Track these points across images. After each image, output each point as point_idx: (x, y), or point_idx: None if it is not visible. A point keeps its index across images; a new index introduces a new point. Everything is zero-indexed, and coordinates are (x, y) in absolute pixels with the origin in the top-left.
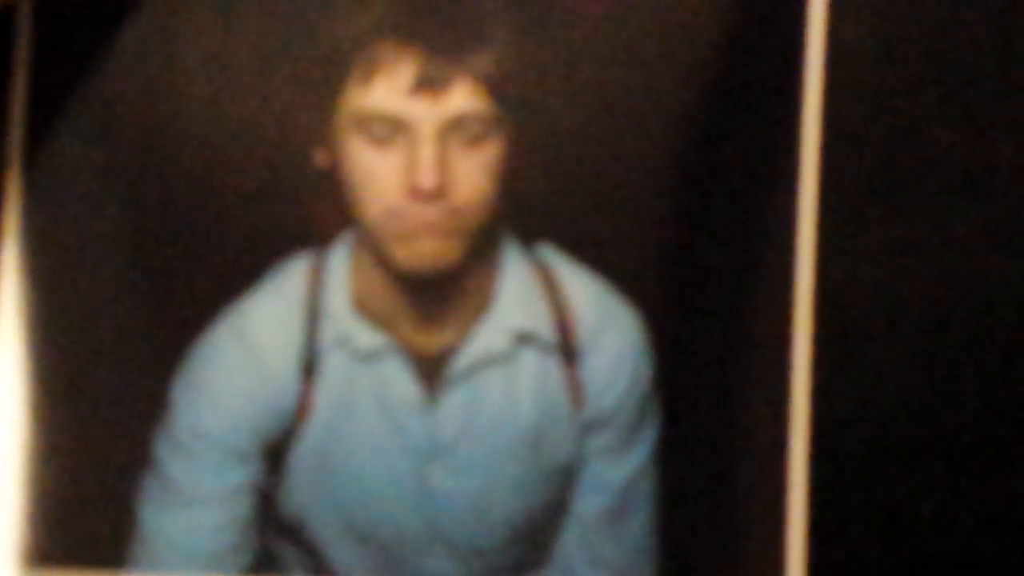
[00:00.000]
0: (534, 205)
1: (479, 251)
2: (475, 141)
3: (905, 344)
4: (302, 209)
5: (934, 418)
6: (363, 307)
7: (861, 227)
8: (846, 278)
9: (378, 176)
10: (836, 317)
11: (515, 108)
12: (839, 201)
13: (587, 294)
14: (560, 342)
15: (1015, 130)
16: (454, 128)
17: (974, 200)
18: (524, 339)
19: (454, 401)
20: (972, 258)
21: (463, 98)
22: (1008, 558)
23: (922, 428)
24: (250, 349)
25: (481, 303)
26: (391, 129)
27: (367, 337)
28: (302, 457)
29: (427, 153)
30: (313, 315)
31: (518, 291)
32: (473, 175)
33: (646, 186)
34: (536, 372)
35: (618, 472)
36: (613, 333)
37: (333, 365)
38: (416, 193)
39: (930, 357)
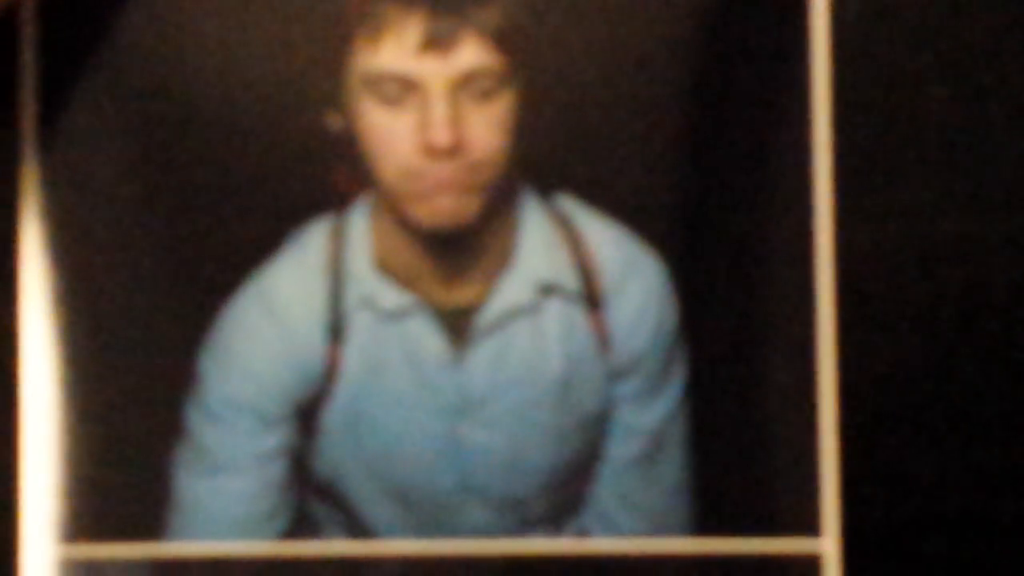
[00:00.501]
0: (550, 157)
1: (498, 205)
2: (487, 96)
3: (917, 301)
4: (319, 173)
5: (952, 373)
6: (386, 267)
7: (873, 189)
8: (867, 231)
9: (392, 136)
10: (857, 259)
11: (524, 61)
12: (850, 165)
13: (608, 242)
14: (584, 291)
15: (1012, 92)
16: (465, 84)
17: (975, 163)
18: (548, 290)
19: (482, 355)
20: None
21: (472, 54)
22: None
23: (940, 381)
24: (275, 315)
25: (503, 256)
26: (402, 89)
27: (391, 296)
28: (333, 418)
29: (439, 111)
30: (336, 277)
31: (539, 243)
32: (487, 130)
33: (661, 133)
34: (562, 322)
35: (648, 417)
36: (636, 279)
37: (359, 325)
38: (431, 151)
39: (942, 314)
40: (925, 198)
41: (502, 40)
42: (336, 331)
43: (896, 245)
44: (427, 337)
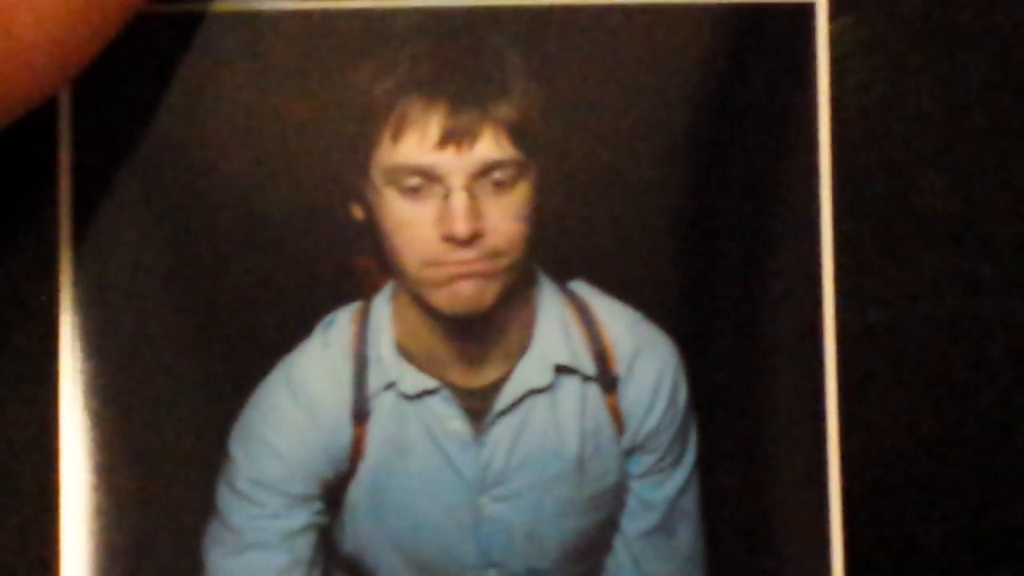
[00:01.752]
0: (564, 243)
1: (515, 291)
2: (503, 186)
3: (920, 378)
4: (344, 262)
5: (956, 446)
6: (407, 351)
7: (875, 272)
8: (869, 310)
9: (413, 226)
10: (861, 337)
11: (539, 152)
12: (853, 249)
13: (621, 325)
14: (599, 372)
15: (1008, 177)
16: (483, 176)
17: (972, 244)
18: (564, 372)
19: (501, 433)
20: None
21: (489, 146)
22: None
23: (945, 455)
24: (302, 399)
25: (521, 340)
26: (423, 181)
27: (414, 379)
28: (358, 496)
29: (459, 202)
30: (360, 362)
31: (556, 326)
32: (504, 219)
33: (671, 218)
34: (578, 401)
35: (662, 492)
36: (649, 360)
37: (383, 407)
38: (451, 240)
39: (945, 390)
40: (925, 279)
41: (518, 133)
42: (360, 413)
43: (898, 323)
44: (448, 417)
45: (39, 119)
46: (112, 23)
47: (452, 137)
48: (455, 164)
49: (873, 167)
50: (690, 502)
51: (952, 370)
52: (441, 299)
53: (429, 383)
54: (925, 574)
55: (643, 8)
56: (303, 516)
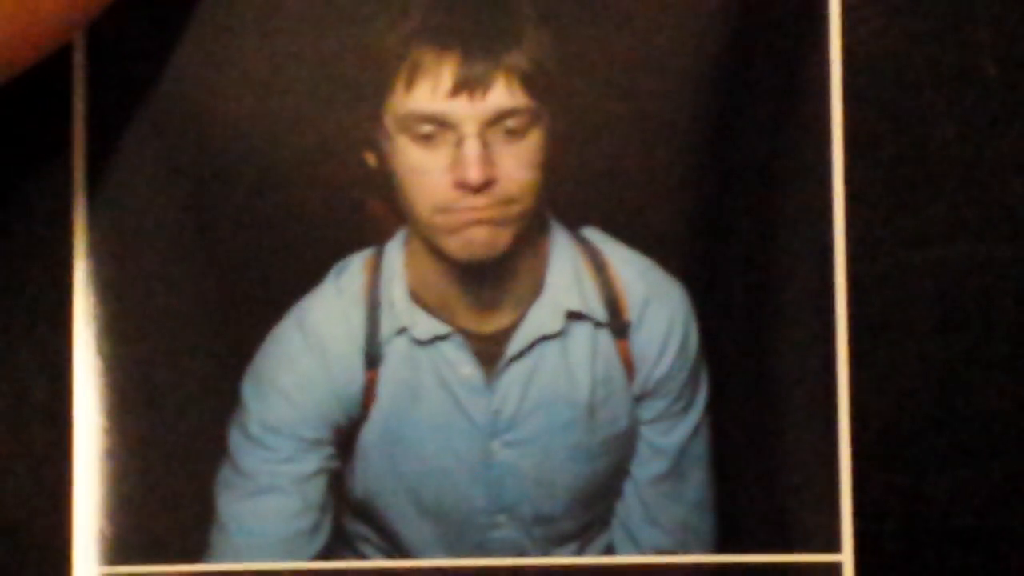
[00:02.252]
0: (577, 191)
1: (528, 238)
2: (516, 134)
3: (931, 324)
4: (357, 209)
5: (966, 394)
6: (420, 297)
7: (885, 217)
8: (880, 256)
9: (426, 173)
10: (871, 283)
11: (551, 100)
12: (864, 195)
13: (633, 271)
14: (610, 319)
15: (1019, 123)
16: (495, 123)
17: (980, 191)
18: (576, 318)
19: (512, 379)
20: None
21: (501, 95)
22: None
23: (954, 402)
24: (315, 343)
25: (533, 287)
26: (436, 128)
27: (426, 325)
28: (370, 441)
29: (472, 149)
30: (373, 308)
31: (567, 273)
32: (517, 167)
33: (683, 165)
34: (589, 348)
35: (672, 438)
36: (660, 307)
37: (395, 352)
38: (464, 187)
39: (956, 337)
40: (935, 225)
41: (530, 81)
42: (373, 358)
43: (909, 269)
44: (460, 363)
45: (53, 65)
46: None
47: (465, 85)
48: (468, 112)
49: (884, 115)
50: (700, 448)
51: (962, 315)
52: (453, 245)
53: (441, 329)
54: (934, 519)
55: None
56: (315, 461)
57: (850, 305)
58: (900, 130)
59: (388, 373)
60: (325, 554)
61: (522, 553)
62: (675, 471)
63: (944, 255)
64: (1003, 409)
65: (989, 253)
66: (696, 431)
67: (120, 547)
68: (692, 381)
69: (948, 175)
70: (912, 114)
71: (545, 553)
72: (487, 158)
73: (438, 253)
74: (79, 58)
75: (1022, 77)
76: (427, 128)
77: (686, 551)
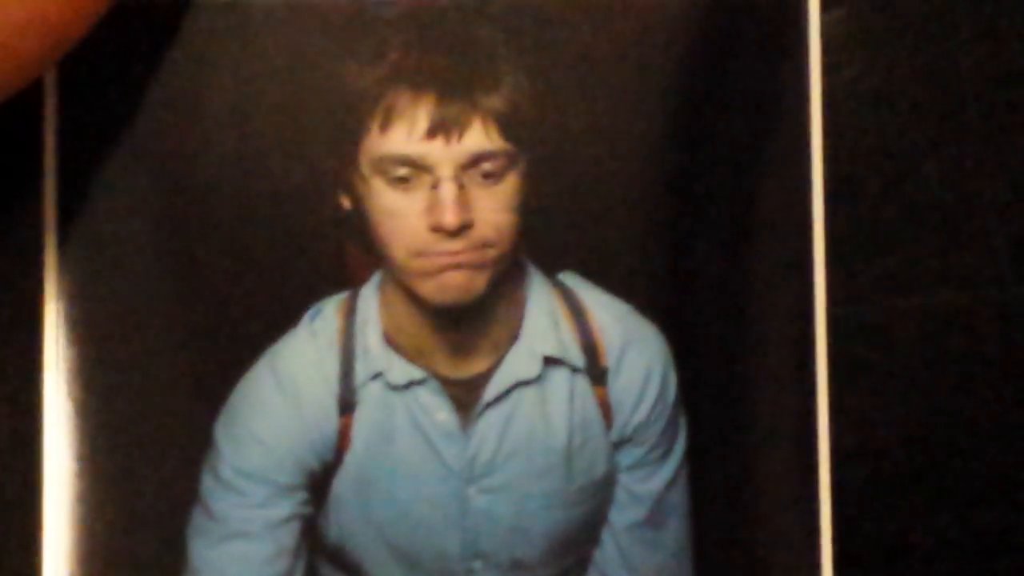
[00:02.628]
0: (554, 235)
1: (504, 282)
2: (492, 177)
3: (913, 372)
4: (332, 253)
5: (948, 442)
6: (395, 341)
7: (866, 263)
8: (856, 308)
9: (402, 217)
10: (852, 330)
11: (528, 143)
12: (845, 240)
13: (610, 316)
14: (588, 365)
15: (1002, 167)
16: (472, 166)
17: (963, 236)
18: (553, 364)
19: (488, 424)
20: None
21: (478, 138)
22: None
23: (936, 450)
24: (288, 388)
25: (510, 332)
26: (411, 171)
27: (401, 369)
28: (344, 486)
29: (447, 193)
30: (348, 353)
31: (544, 318)
32: (493, 210)
33: (661, 210)
34: (566, 395)
35: (650, 485)
36: (638, 352)
37: (369, 398)
38: (440, 231)
39: (938, 385)
40: (918, 272)
41: (507, 124)
42: (347, 404)
43: (890, 315)
44: (435, 408)
45: (25, 103)
46: (99, 3)
47: (440, 127)
48: (444, 154)
49: (866, 159)
50: (679, 495)
51: (945, 365)
52: (429, 289)
53: (416, 373)
54: (915, 572)
55: None
56: (287, 506)
57: (830, 352)
58: (882, 173)
59: (363, 418)
60: None
61: None
62: (653, 518)
63: (926, 302)
64: (985, 458)
65: (972, 300)
66: (674, 478)
67: None
68: (670, 428)
69: (930, 219)
70: (894, 157)
71: None
72: (463, 201)
73: (413, 297)
74: (50, 97)
75: (1005, 119)
76: (402, 171)
77: None
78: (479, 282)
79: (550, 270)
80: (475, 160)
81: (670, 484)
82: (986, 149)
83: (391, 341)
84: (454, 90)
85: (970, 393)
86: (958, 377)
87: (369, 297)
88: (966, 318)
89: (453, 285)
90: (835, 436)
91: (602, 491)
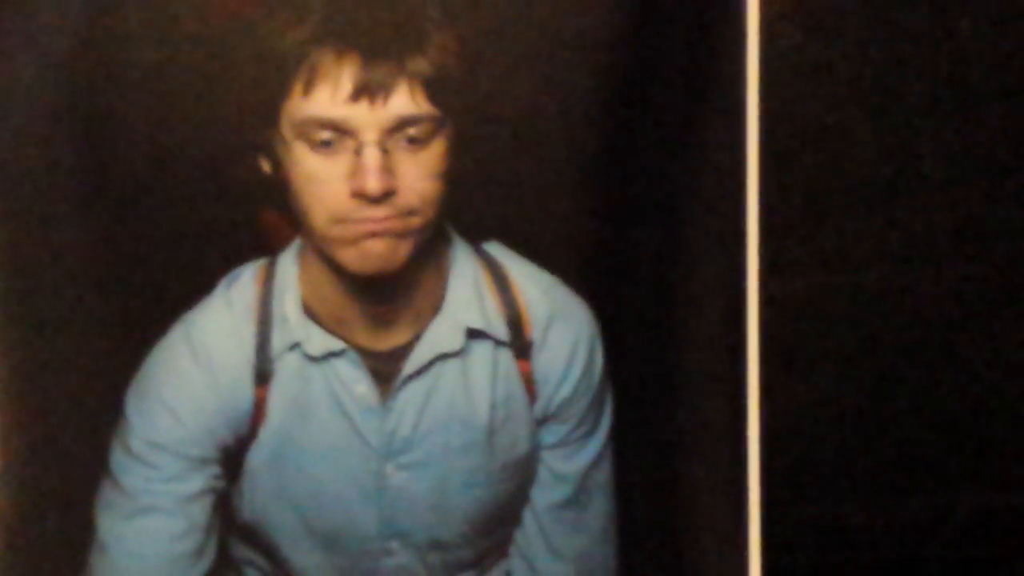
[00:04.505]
0: (479, 204)
1: (427, 252)
2: (417, 143)
3: (846, 350)
4: (250, 217)
5: (880, 421)
6: (314, 311)
7: (801, 238)
8: (790, 284)
9: (324, 182)
10: (780, 316)
11: (455, 109)
12: (778, 216)
13: (536, 289)
14: (512, 338)
15: (941, 143)
16: (396, 131)
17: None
18: (476, 336)
19: (409, 398)
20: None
21: (403, 101)
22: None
23: (869, 430)
24: (203, 357)
25: (432, 303)
26: (335, 135)
27: (319, 340)
28: (259, 461)
29: (371, 158)
30: (264, 322)
31: (468, 289)
32: (417, 177)
33: (591, 181)
34: (489, 368)
35: (574, 464)
36: (563, 326)
37: (286, 369)
38: (362, 197)
39: (871, 363)
40: (853, 247)
41: (434, 88)
42: (263, 374)
43: (824, 292)
44: (354, 380)
45: None
46: None
47: (365, 90)
48: (368, 118)
49: (803, 132)
50: (603, 475)
51: (879, 342)
52: (350, 257)
53: (335, 344)
54: (843, 554)
55: None
56: (200, 480)
57: (762, 329)
58: (818, 147)
59: (279, 390)
60: None
61: None
62: (577, 499)
63: (861, 278)
64: (921, 440)
65: (908, 277)
66: (599, 457)
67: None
68: (596, 405)
69: (867, 195)
70: (831, 131)
71: None
72: (387, 167)
73: (334, 265)
74: None
75: (948, 95)
76: (325, 135)
77: None
78: (402, 251)
79: (475, 240)
80: (400, 124)
81: (595, 463)
82: (927, 125)
83: (310, 311)
84: (380, 50)
85: (904, 372)
86: (892, 355)
87: (288, 264)
88: (901, 296)
89: (375, 253)
90: (765, 415)
91: (524, 469)
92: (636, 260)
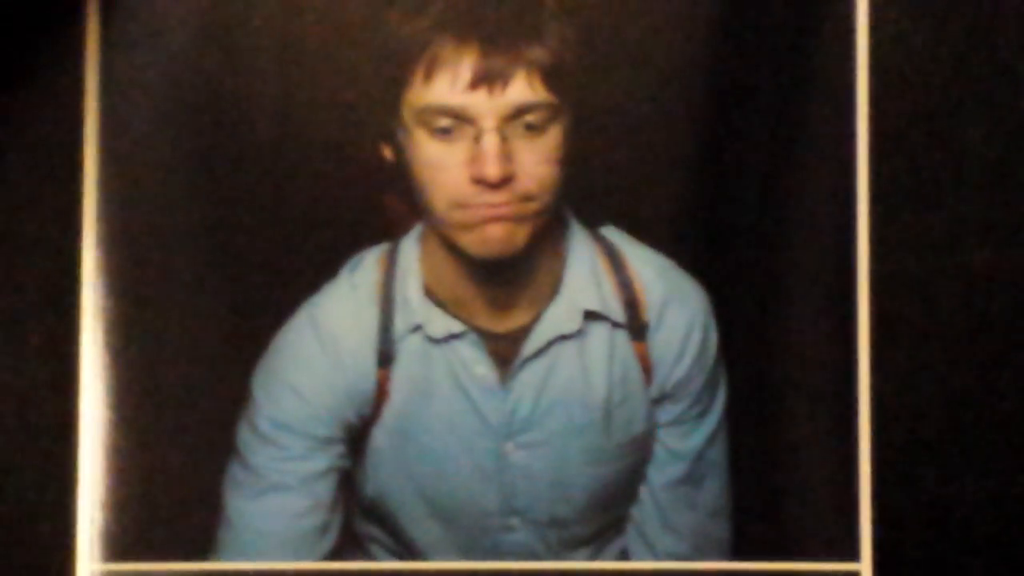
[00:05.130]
0: (596, 189)
1: (545, 236)
2: (535, 130)
3: (955, 331)
4: (373, 203)
5: (989, 402)
6: (435, 294)
7: (909, 219)
8: (899, 265)
9: (444, 168)
10: (894, 287)
11: (572, 96)
12: (889, 197)
13: (651, 271)
14: (628, 320)
15: None
16: (514, 118)
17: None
18: (593, 318)
19: (528, 379)
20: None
21: (521, 89)
22: None
23: (977, 410)
24: (327, 340)
25: (550, 286)
26: (454, 122)
27: (441, 322)
28: (382, 440)
29: (490, 144)
30: (387, 304)
31: (585, 272)
32: (535, 163)
33: (705, 166)
34: (606, 350)
35: (689, 442)
36: (678, 308)
37: (408, 350)
38: (481, 183)
39: (979, 345)
40: (964, 228)
41: (551, 76)
42: (386, 356)
43: (934, 272)
44: (474, 362)
45: (63, 47)
46: None
47: (484, 78)
48: (487, 106)
49: (911, 115)
50: (718, 453)
51: (988, 321)
52: (470, 242)
53: (456, 327)
54: (955, 531)
55: None
56: (325, 459)
57: (872, 309)
58: (926, 130)
59: (401, 371)
60: (335, 554)
61: (535, 557)
62: (691, 476)
63: (971, 259)
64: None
65: (1014, 260)
66: (714, 436)
67: (124, 543)
68: (710, 385)
69: (974, 178)
70: (939, 113)
71: (559, 557)
72: (506, 154)
73: (454, 250)
74: (91, 45)
75: None
76: (445, 122)
77: (702, 558)
78: (520, 235)
79: (592, 224)
80: (518, 112)
81: (709, 441)
82: None
83: (431, 294)
84: (498, 40)
85: (1013, 352)
86: (1001, 335)
87: (409, 249)
88: (1010, 276)
89: (494, 238)
90: (875, 394)
91: (641, 448)
92: (748, 244)
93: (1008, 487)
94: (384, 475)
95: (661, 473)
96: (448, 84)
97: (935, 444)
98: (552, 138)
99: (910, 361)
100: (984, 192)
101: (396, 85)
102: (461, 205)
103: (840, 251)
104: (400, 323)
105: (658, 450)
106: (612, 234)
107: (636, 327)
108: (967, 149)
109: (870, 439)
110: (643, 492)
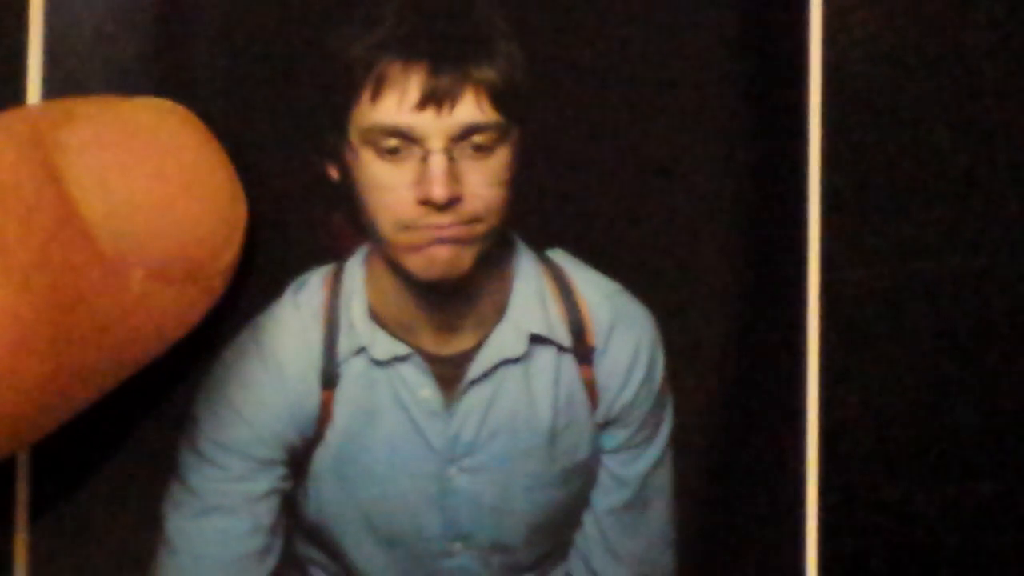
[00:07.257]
0: (544, 211)
1: (492, 258)
2: (483, 151)
3: (911, 347)
4: (318, 224)
5: (942, 419)
6: (380, 316)
7: (866, 231)
8: (854, 280)
9: (390, 189)
10: (844, 309)
11: (521, 117)
12: (844, 205)
13: (599, 295)
14: (575, 344)
15: (1017, 132)
16: (462, 139)
17: (976, 201)
18: (539, 342)
19: (472, 403)
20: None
21: (470, 110)
22: (1012, 554)
23: (928, 427)
24: (270, 362)
25: (496, 309)
26: (401, 143)
27: (385, 345)
28: (324, 462)
29: (437, 165)
30: (332, 326)
31: (531, 295)
32: (483, 184)
33: (652, 188)
34: (552, 374)
35: (635, 467)
36: (626, 332)
37: (353, 373)
38: (428, 204)
39: (938, 360)
40: (923, 238)
41: (500, 97)
42: (329, 378)
43: (891, 285)
44: (418, 385)
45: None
46: (86, 392)
47: (432, 98)
48: (434, 126)
49: (871, 121)
50: (663, 479)
51: (948, 336)
52: (416, 264)
53: (400, 349)
54: (907, 557)
55: None
56: (266, 481)
57: (823, 337)
58: (889, 134)
59: (345, 393)
60: None
61: None
62: (636, 502)
63: (932, 270)
64: (990, 434)
65: (981, 269)
66: (659, 462)
67: (61, 568)
68: (657, 409)
69: (940, 183)
70: (902, 118)
71: None
72: (453, 175)
73: (400, 271)
74: (34, 52)
75: (1022, 82)
76: (392, 142)
77: None
78: (466, 257)
79: (539, 247)
80: (466, 132)
81: (654, 467)
82: (1001, 110)
83: (376, 316)
84: (447, 59)
85: (973, 366)
86: (961, 349)
87: (355, 270)
88: (972, 287)
89: (440, 260)
90: (825, 422)
91: (585, 473)
92: (697, 267)
93: (965, 506)
94: (326, 497)
95: (605, 499)
96: (395, 104)
97: (887, 474)
98: (500, 159)
99: (863, 390)
100: (948, 198)
101: (343, 105)
102: (407, 226)
103: (792, 276)
104: (344, 345)
105: (603, 476)
106: (559, 257)
107: (582, 351)
108: (931, 154)
109: (818, 468)
110: (587, 518)
